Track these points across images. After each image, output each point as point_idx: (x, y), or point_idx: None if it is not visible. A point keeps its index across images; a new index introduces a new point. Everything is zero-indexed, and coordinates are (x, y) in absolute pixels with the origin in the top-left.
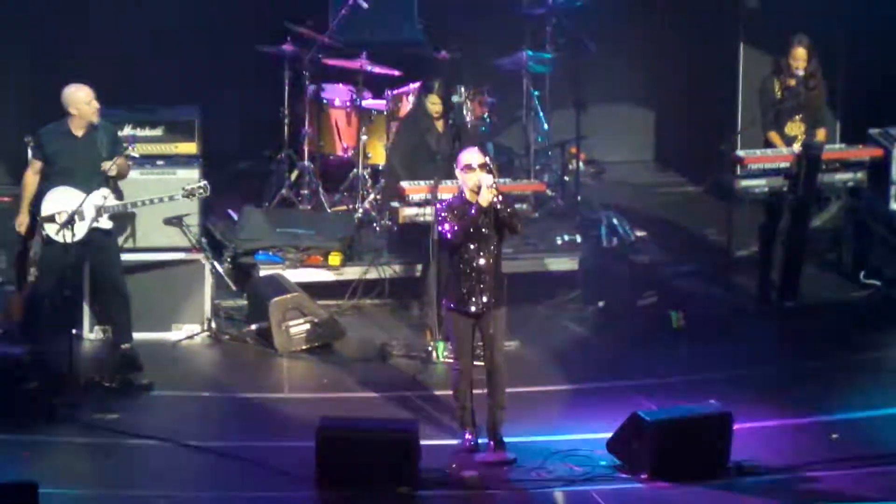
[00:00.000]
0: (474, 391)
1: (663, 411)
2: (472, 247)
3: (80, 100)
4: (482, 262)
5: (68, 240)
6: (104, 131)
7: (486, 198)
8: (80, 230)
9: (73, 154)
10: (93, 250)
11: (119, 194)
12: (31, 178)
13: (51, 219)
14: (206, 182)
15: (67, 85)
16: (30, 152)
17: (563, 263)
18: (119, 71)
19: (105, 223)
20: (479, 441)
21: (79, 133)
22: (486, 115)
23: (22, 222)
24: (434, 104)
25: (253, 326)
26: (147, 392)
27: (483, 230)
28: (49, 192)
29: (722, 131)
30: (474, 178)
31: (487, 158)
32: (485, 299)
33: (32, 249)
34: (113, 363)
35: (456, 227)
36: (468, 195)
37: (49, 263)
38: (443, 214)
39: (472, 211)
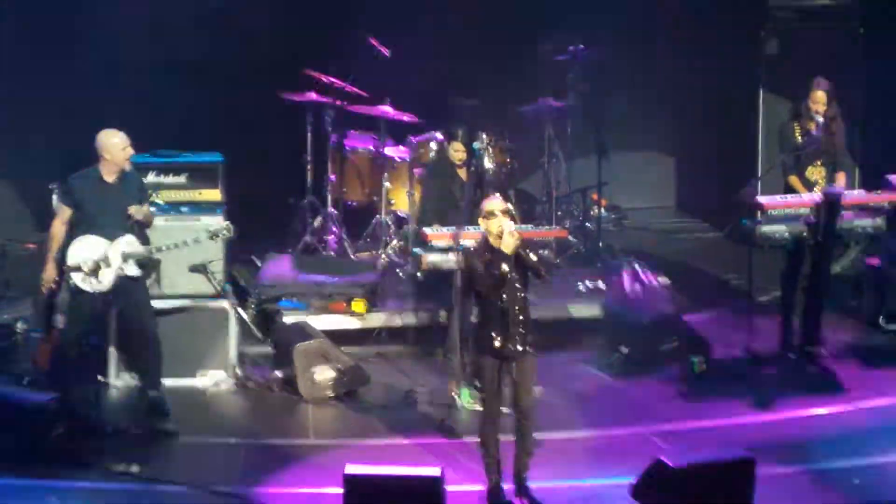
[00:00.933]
0: (500, 437)
1: (686, 456)
2: (499, 292)
3: (115, 146)
4: (509, 306)
5: (96, 289)
6: (132, 178)
7: (509, 244)
8: (108, 278)
9: (104, 201)
10: (121, 297)
11: (145, 240)
12: (60, 227)
13: (77, 268)
14: (230, 223)
15: (101, 131)
16: (55, 199)
17: (585, 310)
18: (143, 116)
19: (132, 270)
20: (504, 487)
21: (110, 179)
22: (507, 161)
23: (49, 276)
24: (457, 151)
25: (278, 373)
26: (174, 439)
27: (509, 275)
28: (75, 240)
29: (742, 177)
30: (497, 223)
31: (509, 205)
32: (513, 345)
33: (59, 297)
34: (140, 410)
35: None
36: (492, 241)
37: (77, 312)
38: (467, 261)
39: (496, 260)
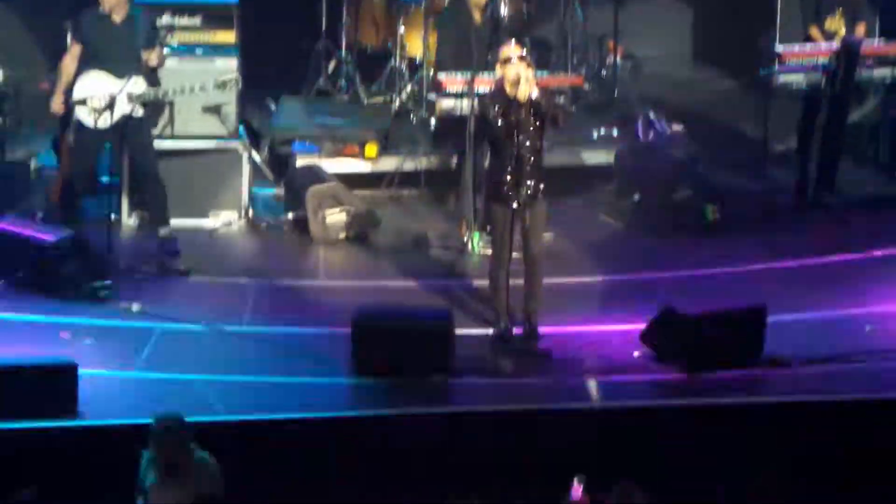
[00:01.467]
0: (511, 283)
1: (697, 304)
2: (513, 138)
3: None
4: (523, 153)
5: (99, 125)
6: (143, 18)
7: (524, 91)
8: (112, 116)
9: (111, 39)
10: (127, 137)
11: (154, 82)
12: (70, 63)
13: (82, 102)
14: (238, 74)
15: None
16: (69, 37)
17: (598, 157)
18: None
19: (137, 111)
20: (514, 330)
21: (117, 18)
22: (523, 7)
23: (56, 102)
24: None
25: (289, 215)
26: (184, 278)
27: (524, 122)
28: (82, 75)
29: (761, 25)
30: (514, 70)
31: (525, 51)
32: (525, 191)
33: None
34: (151, 249)
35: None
36: (508, 88)
37: (81, 148)
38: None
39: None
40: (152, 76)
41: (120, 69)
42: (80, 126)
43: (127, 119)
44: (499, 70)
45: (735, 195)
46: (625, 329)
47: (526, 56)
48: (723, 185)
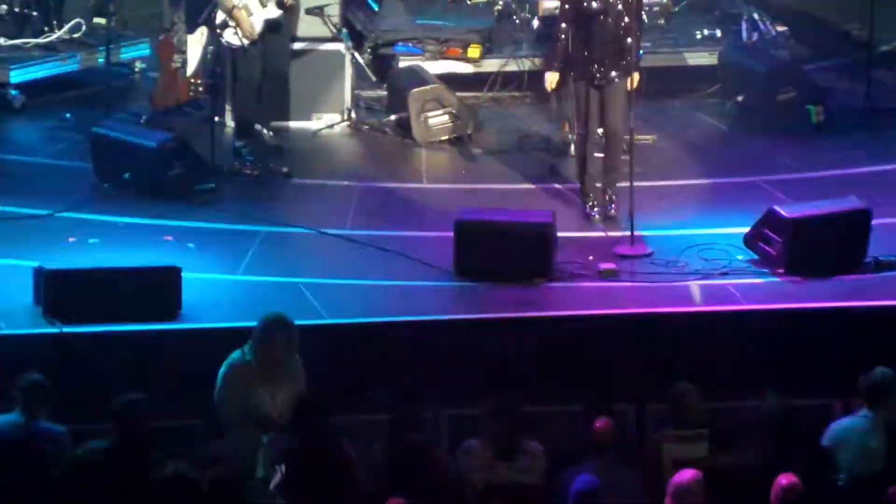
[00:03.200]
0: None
1: (800, 206)
2: (593, 19)
3: None
4: (605, 32)
5: (247, 41)
6: None
7: None
8: (257, 26)
9: None
10: (267, 41)
11: None
12: None
13: (223, 25)
14: None
15: None
16: None
17: (702, 58)
18: None
19: (272, 12)
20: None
21: None
22: None
23: (247, 25)
24: None
25: (392, 117)
26: (287, 180)
27: (604, 3)
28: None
29: None
30: None
31: None
32: (604, 69)
33: (176, 36)
34: (255, 151)
35: None
36: None
37: (245, 67)
38: None
39: None
40: None
41: None
42: (232, 48)
43: (268, 23)
44: None
45: (840, 96)
46: (729, 232)
47: None
48: (827, 87)
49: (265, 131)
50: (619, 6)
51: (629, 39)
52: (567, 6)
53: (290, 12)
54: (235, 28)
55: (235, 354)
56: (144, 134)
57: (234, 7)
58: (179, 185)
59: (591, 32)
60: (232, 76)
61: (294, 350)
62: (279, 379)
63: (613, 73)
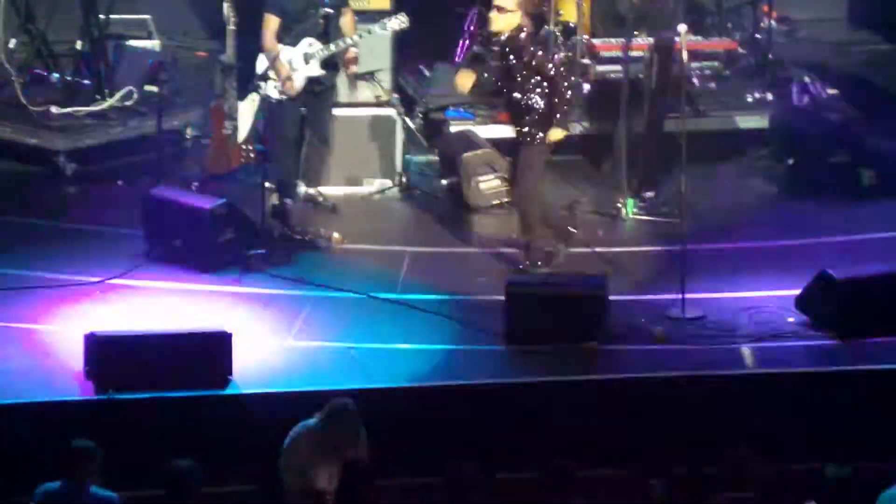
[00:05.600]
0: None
1: (852, 269)
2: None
3: None
4: (514, 96)
5: (285, 95)
6: None
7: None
8: (298, 82)
9: (303, 7)
10: (308, 100)
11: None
12: (272, 38)
13: (264, 77)
14: (404, 14)
15: None
16: (225, 7)
17: (753, 121)
18: None
19: (315, 70)
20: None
21: None
22: None
23: (289, 83)
24: None
25: (444, 182)
26: (339, 245)
27: (513, 66)
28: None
29: None
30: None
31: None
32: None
33: (227, 103)
34: (306, 216)
35: None
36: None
37: (281, 122)
38: None
39: None
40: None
41: (302, 36)
42: (270, 101)
43: (311, 82)
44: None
45: (892, 159)
46: (780, 294)
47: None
48: (879, 150)
49: (312, 191)
50: (517, 70)
51: (538, 99)
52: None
53: (349, 77)
54: (276, 81)
55: (308, 422)
56: (196, 199)
57: (277, 57)
58: (231, 251)
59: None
60: (269, 132)
61: (356, 436)
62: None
63: (524, 137)
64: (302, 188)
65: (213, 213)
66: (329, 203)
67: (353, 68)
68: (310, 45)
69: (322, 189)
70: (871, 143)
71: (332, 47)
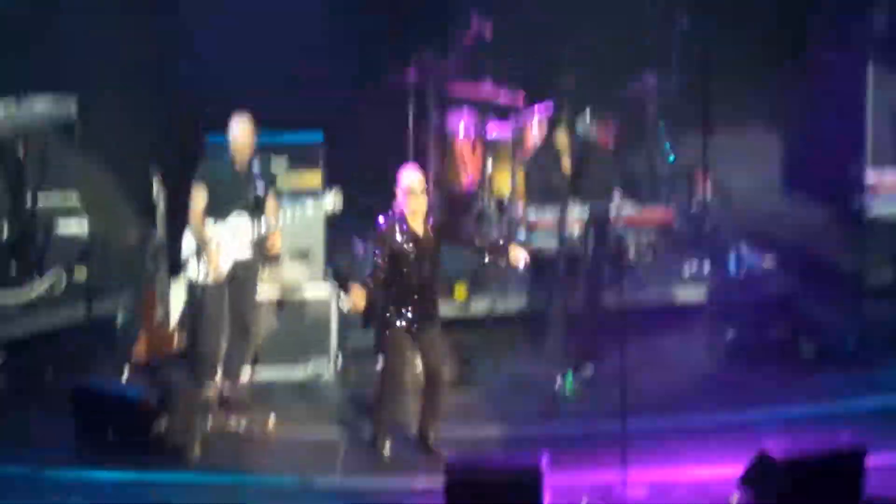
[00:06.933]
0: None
1: (793, 446)
2: (412, 266)
3: (231, 134)
4: (425, 280)
5: (210, 278)
6: (262, 163)
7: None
8: (224, 264)
9: (234, 187)
10: (233, 286)
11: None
12: (199, 213)
13: (192, 259)
14: (336, 193)
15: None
16: (155, 189)
17: (691, 293)
18: (244, 98)
19: (243, 252)
20: None
21: (239, 166)
22: (611, 141)
23: (214, 261)
24: (562, 138)
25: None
26: (274, 432)
27: (425, 250)
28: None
29: (851, 155)
30: (416, 201)
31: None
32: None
33: (158, 287)
34: (236, 403)
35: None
36: (409, 218)
37: (205, 306)
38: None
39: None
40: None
41: (236, 216)
42: (195, 284)
43: (237, 265)
44: (400, 196)
45: (831, 330)
46: (723, 471)
47: (426, 187)
48: (819, 320)
49: (229, 386)
50: (430, 252)
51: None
52: (382, 247)
53: (271, 260)
54: (201, 264)
55: None
56: (126, 390)
57: (203, 237)
58: (164, 440)
59: (407, 279)
60: (195, 316)
61: None
62: None
63: (432, 317)
64: (219, 382)
65: (144, 403)
66: (244, 400)
67: (278, 249)
68: (237, 225)
69: (254, 372)
70: (809, 314)
71: (261, 228)
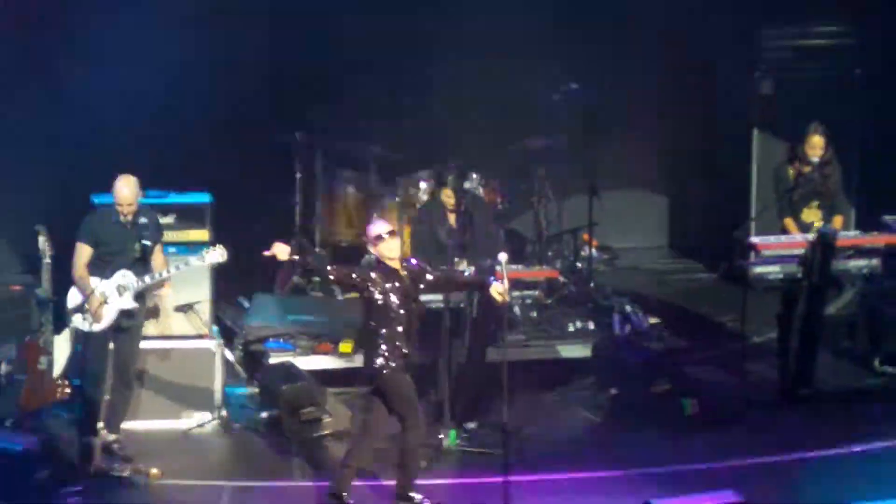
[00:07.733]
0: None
1: (676, 501)
2: (398, 309)
3: (115, 189)
4: (413, 322)
5: (95, 327)
6: (149, 217)
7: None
8: (109, 314)
9: (120, 240)
10: (117, 336)
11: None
12: (83, 267)
13: (78, 309)
14: (222, 247)
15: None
16: (41, 240)
17: (575, 350)
18: (131, 157)
19: (128, 303)
20: None
21: (127, 218)
22: (498, 200)
23: (97, 310)
24: (448, 197)
25: (264, 414)
26: (157, 481)
27: (407, 292)
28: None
29: (736, 217)
30: (390, 244)
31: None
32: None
33: (42, 337)
34: (119, 452)
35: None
36: (388, 263)
37: (89, 355)
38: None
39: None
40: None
41: (120, 268)
42: (80, 333)
43: (122, 315)
44: (374, 249)
45: (713, 388)
46: None
47: (394, 230)
48: (701, 378)
49: (111, 438)
50: (411, 294)
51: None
52: (363, 273)
53: (156, 312)
54: (86, 314)
55: None
56: (9, 438)
57: (88, 287)
58: (45, 490)
59: (396, 323)
60: (78, 365)
61: None
62: None
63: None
64: (101, 433)
65: (26, 452)
66: (124, 453)
67: (167, 301)
68: (123, 276)
69: (138, 424)
70: (692, 373)
71: (147, 279)
